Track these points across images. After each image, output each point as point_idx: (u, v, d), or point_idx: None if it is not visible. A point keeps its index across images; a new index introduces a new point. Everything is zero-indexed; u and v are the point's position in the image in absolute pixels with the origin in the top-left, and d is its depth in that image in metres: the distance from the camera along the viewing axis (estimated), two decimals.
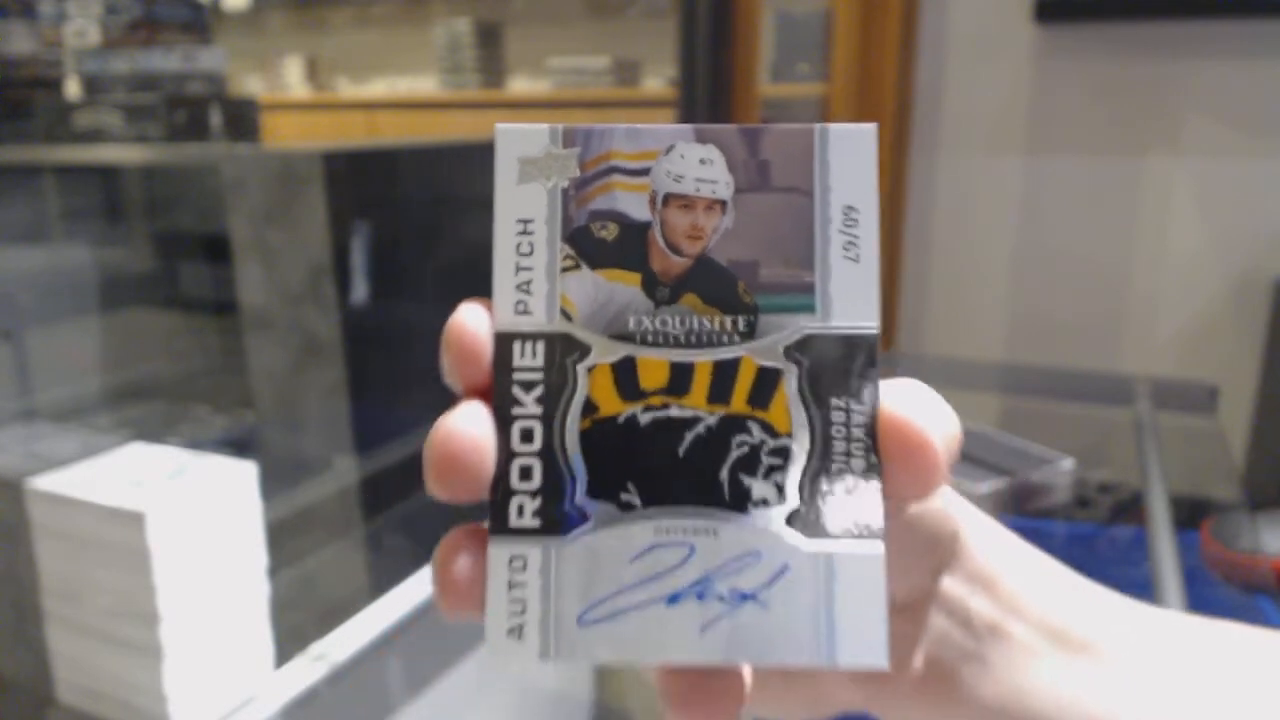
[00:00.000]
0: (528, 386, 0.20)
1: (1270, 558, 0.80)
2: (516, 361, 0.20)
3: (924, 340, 2.16)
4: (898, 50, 1.94)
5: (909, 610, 0.25)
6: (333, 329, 0.99)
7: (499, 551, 0.20)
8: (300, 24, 4.00)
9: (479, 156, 1.25)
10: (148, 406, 1.31)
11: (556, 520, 0.20)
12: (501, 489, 0.20)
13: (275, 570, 0.70)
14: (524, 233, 0.21)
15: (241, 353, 1.05)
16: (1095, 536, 0.88)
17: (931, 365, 1.75)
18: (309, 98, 3.77)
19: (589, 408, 0.20)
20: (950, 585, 0.26)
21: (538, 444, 0.20)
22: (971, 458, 0.96)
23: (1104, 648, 0.27)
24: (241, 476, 0.66)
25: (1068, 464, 0.90)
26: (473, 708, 0.73)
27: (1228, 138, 1.83)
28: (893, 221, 2.08)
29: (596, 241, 0.21)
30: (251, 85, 3.85)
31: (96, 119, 1.20)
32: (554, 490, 0.20)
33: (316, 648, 0.69)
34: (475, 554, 0.20)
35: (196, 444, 1.17)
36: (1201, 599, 0.74)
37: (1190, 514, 0.87)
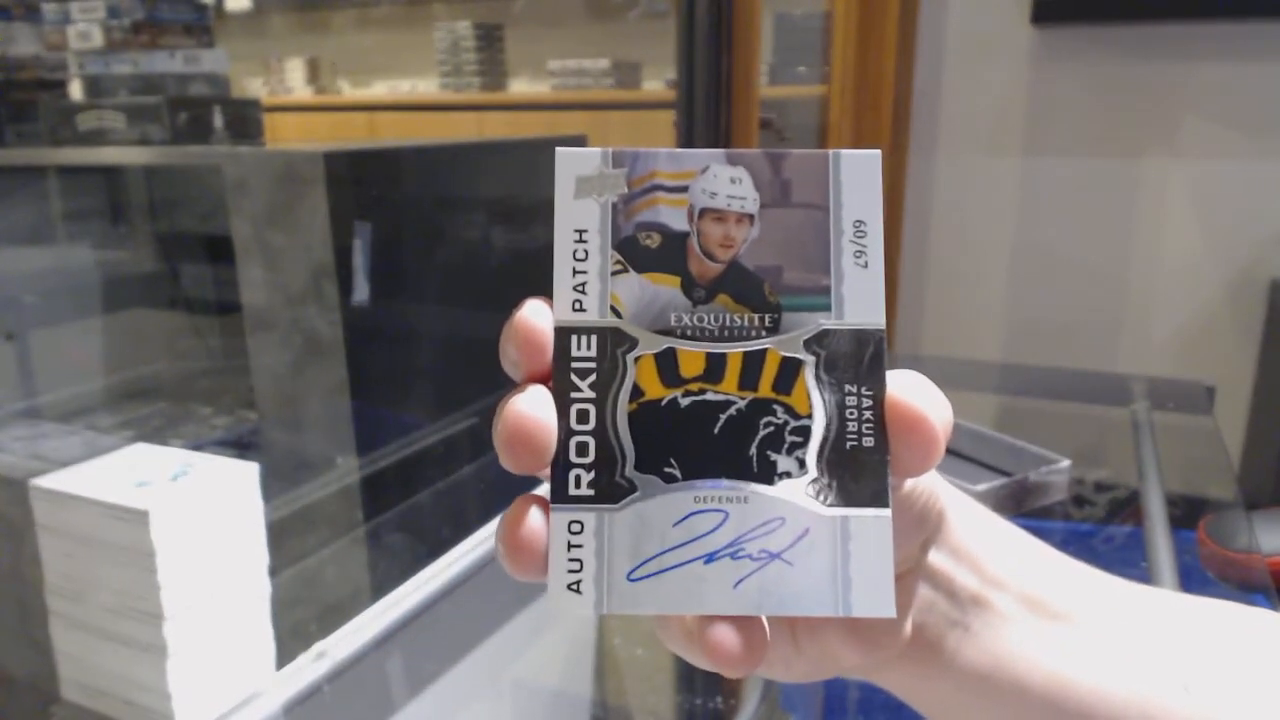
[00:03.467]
0: (583, 374, 0.23)
1: (1266, 556, 0.80)
2: (573, 352, 0.23)
3: (922, 340, 2.16)
4: (896, 51, 1.94)
5: (899, 581, 0.27)
6: (335, 329, 0.99)
7: (559, 518, 0.22)
8: (302, 26, 4.01)
9: (480, 157, 1.26)
10: (151, 407, 1.32)
11: (609, 490, 0.23)
12: (561, 463, 0.23)
13: (279, 569, 0.70)
14: (579, 241, 0.24)
15: (244, 353, 1.05)
16: (1092, 535, 0.88)
17: (930, 365, 1.75)
18: (311, 99, 3.78)
19: (636, 392, 0.23)
20: (936, 559, 0.28)
21: (592, 424, 0.23)
22: (970, 457, 0.97)
23: (1079, 616, 0.28)
24: (244, 477, 0.66)
25: (1065, 463, 0.90)
26: (474, 705, 0.74)
27: (1224, 139, 1.84)
28: (891, 222, 2.08)
29: (642, 249, 0.24)
30: (254, 87, 3.85)
31: (100, 121, 1.20)
32: (606, 464, 0.23)
33: (319, 645, 0.69)
34: (538, 520, 0.22)
35: (199, 445, 1.18)
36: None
37: (1187, 513, 0.87)
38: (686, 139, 1.52)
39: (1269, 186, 1.82)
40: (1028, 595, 0.28)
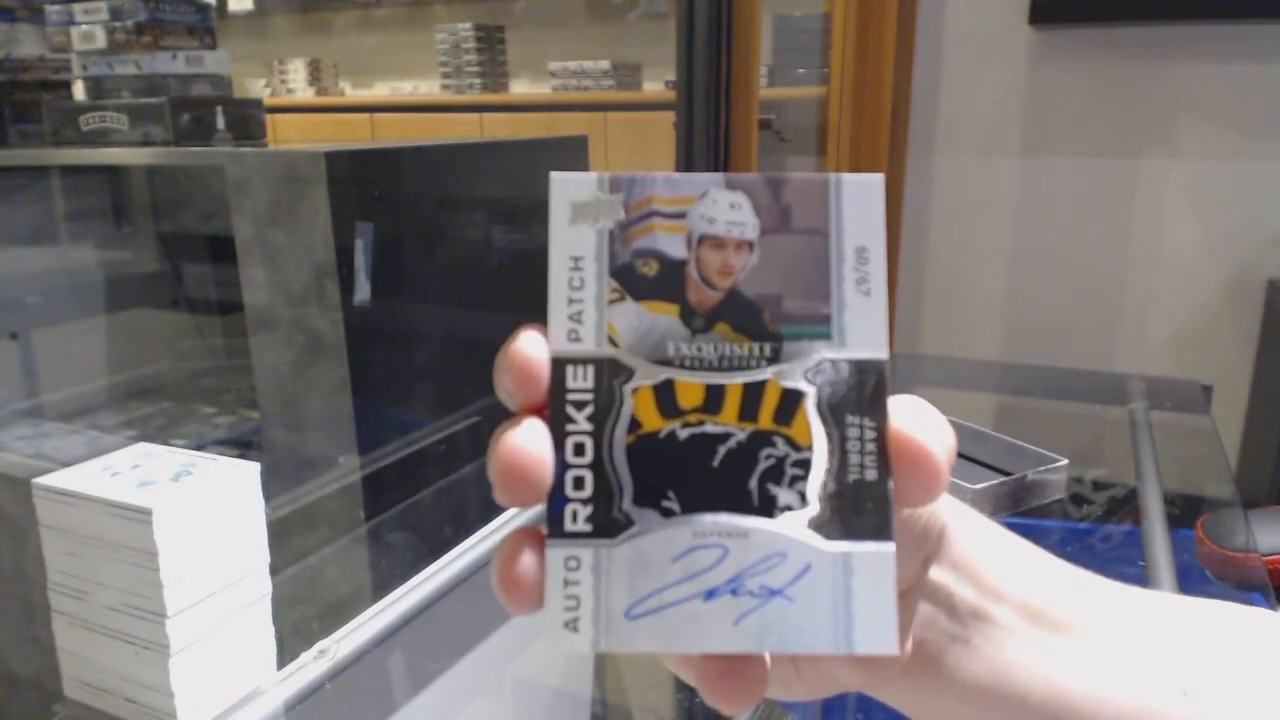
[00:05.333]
0: (579, 405, 0.22)
1: (1263, 555, 0.80)
2: (569, 383, 0.22)
3: (920, 340, 2.16)
4: (895, 53, 1.94)
5: (899, 599, 0.27)
6: (336, 328, 0.99)
7: (556, 553, 0.22)
8: (304, 27, 4.01)
9: (481, 157, 1.26)
10: (153, 406, 1.32)
11: (606, 525, 0.22)
12: (557, 497, 0.22)
13: (280, 567, 0.71)
14: (575, 269, 0.23)
15: (246, 353, 1.06)
16: (1090, 534, 0.88)
17: (928, 365, 1.75)
18: (312, 100, 3.78)
19: (634, 424, 0.22)
20: (936, 574, 0.28)
21: (589, 457, 0.22)
22: (968, 456, 0.97)
23: (1082, 626, 0.28)
24: (245, 476, 0.67)
25: (1063, 462, 0.90)
26: (475, 703, 0.74)
27: (1221, 139, 1.84)
28: (889, 222, 2.08)
29: (639, 276, 0.23)
30: (256, 88, 3.86)
31: (103, 121, 1.21)
32: (604, 498, 0.22)
33: (320, 644, 0.70)
34: (534, 555, 0.22)
35: (201, 444, 1.18)
36: (1195, 596, 0.75)
37: (1185, 512, 0.87)
38: (686, 140, 1.52)
39: (1266, 187, 1.82)
40: (1027, 606, 0.28)
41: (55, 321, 1.31)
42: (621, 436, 0.22)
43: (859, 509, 0.22)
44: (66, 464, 0.66)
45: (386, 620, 0.73)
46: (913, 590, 0.27)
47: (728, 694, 0.22)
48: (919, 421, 0.23)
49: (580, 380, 0.22)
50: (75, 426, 1.19)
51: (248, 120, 1.28)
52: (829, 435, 0.22)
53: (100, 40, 1.23)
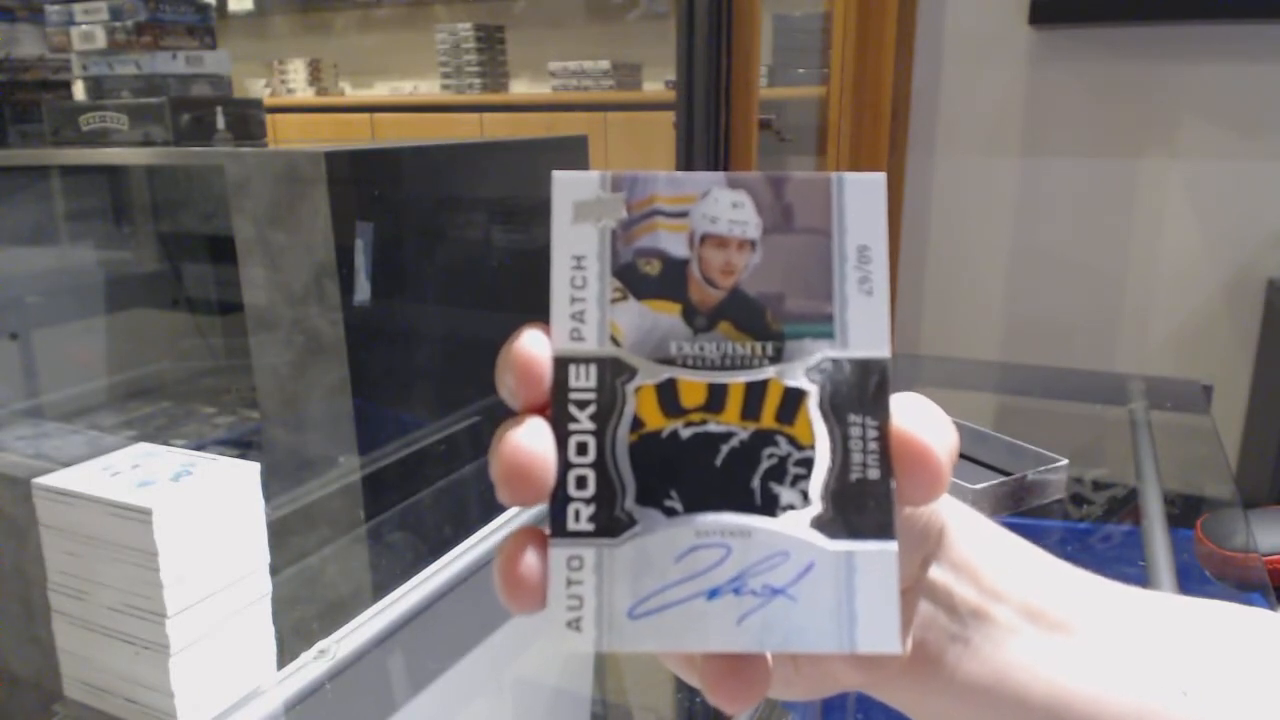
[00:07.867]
0: (582, 405, 0.22)
1: (1263, 555, 0.81)
2: (572, 383, 0.22)
3: (920, 340, 2.16)
4: (894, 52, 1.94)
5: (900, 599, 0.27)
6: (336, 328, 1.00)
7: (558, 553, 0.22)
8: (304, 27, 4.01)
9: (481, 157, 1.26)
10: (153, 406, 1.32)
11: (609, 524, 0.22)
12: (560, 496, 0.22)
13: (280, 567, 0.71)
14: (578, 268, 0.23)
15: (246, 353, 1.06)
16: (1090, 534, 0.89)
17: (929, 365, 1.75)
18: (312, 100, 3.78)
19: (636, 424, 0.22)
20: (936, 574, 0.28)
21: (591, 456, 0.22)
22: (968, 456, 0.97)
23: (1082, 626, 0.28)
24: (245, 476, 0.67)
25: (1063, 462, 0.90)
26: (475, 703, 0.74)
27: (1221, 139, 1.84)
28: (889, 221, 2.08)
29: (642, 275, 0.23)
30: (256, 88, 3.86)
31: (103, 121, 1.21)
32: (606, 497, 0.22)
33: (320, 644, 0.70)
34: (536, 555, 0.22)
35: (201, 444, 1.18)
36: (1195, 596, 0.75)
37: (1184, 512, 0.88)
38: (686, 140, 1.52)
39: (1266, 187, 1.82)
40: (1027, 606, 0.28)
41: (55, 321, 1.31)
42: (624, 436, 0.22)
43: (861, 508, 0.22)
44: (66, 464, 0.66)
45: (386, 620, 0.73)
46: (912, 590, 0.27)
47: (730, 693, 0.22)
48: (921, 420, 0.23)
49: (583, 379, 0.22)
50: (75, 426, 1.20)
51: (248, 120, 1.28)
52: (831, 434, 0.22)
53: (100, 40, 1.23)
